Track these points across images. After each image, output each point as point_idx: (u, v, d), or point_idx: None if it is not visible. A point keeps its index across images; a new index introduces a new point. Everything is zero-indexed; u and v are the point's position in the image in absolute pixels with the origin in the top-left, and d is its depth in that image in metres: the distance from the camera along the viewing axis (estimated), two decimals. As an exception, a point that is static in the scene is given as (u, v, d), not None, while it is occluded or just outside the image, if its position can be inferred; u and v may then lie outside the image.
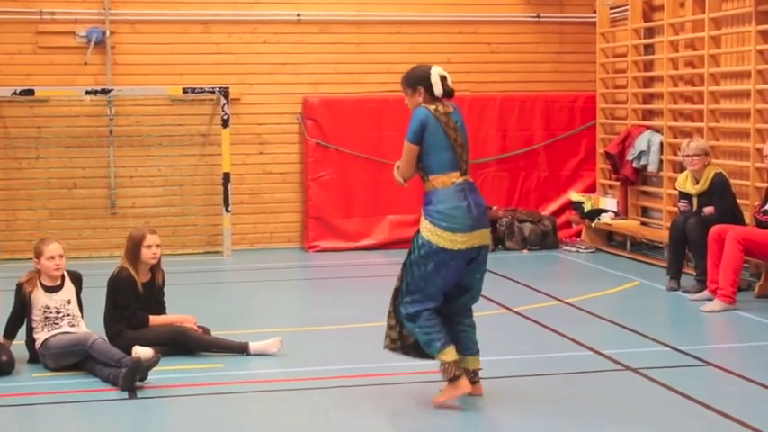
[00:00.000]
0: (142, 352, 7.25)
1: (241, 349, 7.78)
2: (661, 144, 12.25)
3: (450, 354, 6.39)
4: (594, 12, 13.80)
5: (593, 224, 13.02)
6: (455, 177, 6.41)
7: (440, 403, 6.47)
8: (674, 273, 10.24)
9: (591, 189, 13.81)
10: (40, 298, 7.52)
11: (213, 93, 12.94)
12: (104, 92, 12.69)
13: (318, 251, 13.16)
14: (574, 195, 13.67)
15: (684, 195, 10.24)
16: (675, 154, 11.60)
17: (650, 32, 12.92)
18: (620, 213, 13.01)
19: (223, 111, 12.86)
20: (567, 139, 13.87)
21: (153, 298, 7.88)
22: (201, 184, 13.26)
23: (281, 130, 13.46)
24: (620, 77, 13.48)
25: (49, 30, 12.84)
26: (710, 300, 9.42)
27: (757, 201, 10.08)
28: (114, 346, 7.29)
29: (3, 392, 6.93)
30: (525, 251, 12.99)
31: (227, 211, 12.98)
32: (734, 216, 9.90)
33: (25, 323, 7.60)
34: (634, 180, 12.84)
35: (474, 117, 13.18)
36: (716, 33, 11.30)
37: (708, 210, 9.93)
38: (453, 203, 6.35)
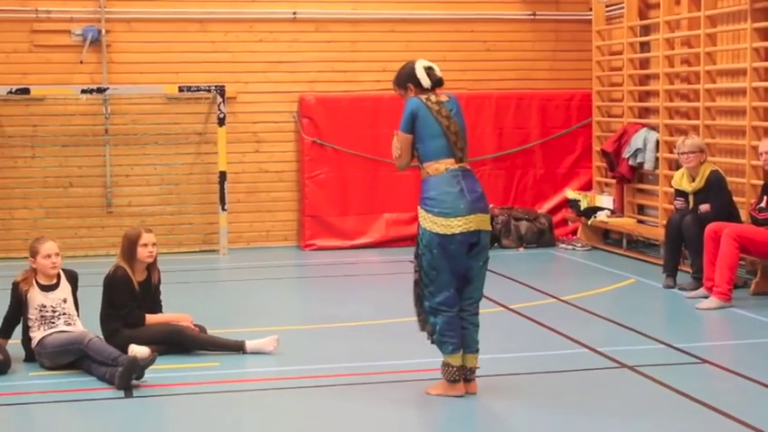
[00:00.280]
0: (138, 351, 7.25)
1: (237, 348, 7.78)
2: (657, 142, 12.26)
3: (458, 359, 6.51)
4: (590, 9, 13.81)
5: (589, 222, 13.03)
6: (449, 164, 6.49)
7: (432, 394, 6.59)
8: (671, 270, 10.25)
9: (587, 187, 13.82)
10: (35, 297, 7.51)
11: (209, 91, 12.94)
12: (100, 90, 12.68)
13: (315, 249, 13.16)
14: (570, 193, 13.68)
15: (680, 193, 10.25)
16: (671, 152, 11.61)
17: (646, 30, 12.93)
18: (617, 211, 13.03)
19: (219, 109, 12.86)
20: (563, 136, 13.88)
21: (149, 297, 7.88)
22: (197, 182, 13.25)
23: (277, 129, 13.46)
24: (615, 75, 13.48)
25: (44, 28, 12.83)
26: (706, 297, 9.43)
27: (753, 198, 10.09)
28: (110, 344, 7.28)
29: (-1, 391, 6.94)
30: (521, 249, 13.00)
31: (224, 209, 12.97)
32: (730, 214, 9.90)
33: (21, 322, 7.59)
34: (630, 178, 12.86)
35: (470, 115, 13.03)
36: (711, 31, 11.30)
37: (704, 207, 9.94)
38: (444, 189, 6.43)
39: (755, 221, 9.60)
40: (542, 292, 10.13)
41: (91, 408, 6.66)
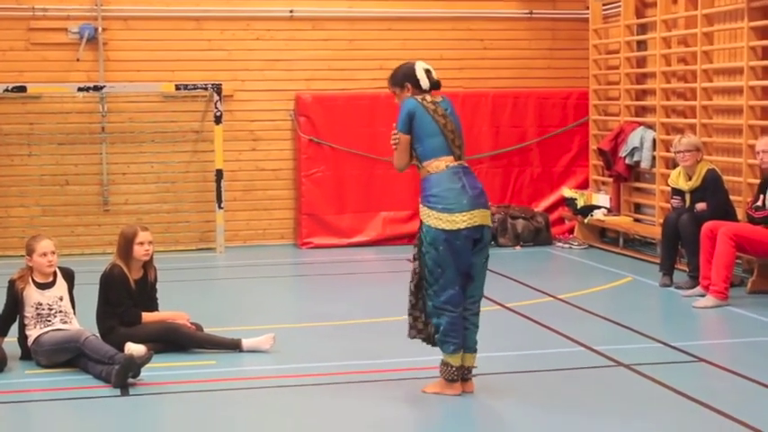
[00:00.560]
0: (135, 349, 7.25)
1: (234, 346, 7.78)
2: (654, 140, 12.26)
3: (458, 359, 6.52)
4: (587, 8, 13.81)
5: (585, 220, 13.03)
6: (448, 161, 6.51)
7: (429, 392, 6.60)
8: (667, 269, 10.25)
9: (584, 185, 13.82)
10: (32, 295, 7.51)
11: (206, 89, 12.93)
12: (97, 88, 12.66)
13: (311, 248, 13.16)
14: (567, 192, 13.69)
15: (677, 192, 10.26)
16: (668, 150, 11.61)
17: (643, 29, 12.93)
18: (613, 210, 13.03)
19: (216, 107, 12.85)
20: (559, 135, 13.88)
21: (145, 295, 7.88)
22: (194, 180, 13.24)
23: (274, 127, 13.46)
24: (612, 74, 13.48)
25: (41, 26, 12.81)
26: (703, 296, 9.43)
27: (750, 197, 10.09)
28: (107, 343, 7.27)
29: (-5, 389, 6.93)
30: (518, 247, 13.00)
31: (220, 207, 12.97)
32: (726, 212, 9.91)
33: (17, 320, 7.59)
34: (627, 176, 12.86)
35: (467, 113, 13.17)
36: (708, 30, 11.31)
37: (700, 206, 9.94)
38: (446, 185, 6.44)
39: (752, 220, 9.60)
40: (539, 291, 10.13)
41: (87, 406, 6.66)
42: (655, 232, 11.70)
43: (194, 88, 12.90)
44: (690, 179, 10.09)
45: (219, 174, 12.92)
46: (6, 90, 12.39)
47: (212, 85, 12.87)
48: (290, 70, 13.42)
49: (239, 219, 13.41)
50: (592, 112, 13.76)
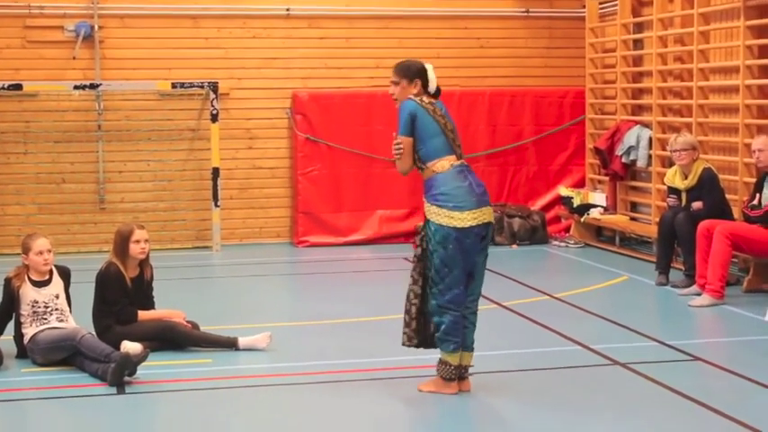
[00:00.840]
0: (131, 347, 7.25)
1: (230, 344, 7.78)
2: (650, 139, 12.26)
3: (457, 358, 6.52)
4: (584, 7, 13.81)
5: (582, 219, 13.04)
6: (452, 160, 6.52)
7: (425, 391, 6.60)
8: (663, 268, 10.26)
9: (580, 184, 13.83)
10: (28, 293, 7.50)
11: (202, 87, 12.93)
12: (93, 86, 12.65)
13: (307, 246, 13.16)
14: (563, 190, 13.69)
15: (673, 190, 10.27)
16: (664, 149, 11.62)
17: (639, 27, 12.94)
18: (609, 208, 13.04)
19: (212, 105, 12.84)
20: (556, 134, 13.88)
21: (141, 293, 7.87)
22: (190, 178, 13.24)
23: (271, 125, 13.45)
24: (609, 72, 13.49)
25: (37, 24, 12.80)
26: (699, 295, 9.44)
27: (746, 196, 10.10)
28: (103, 341, 7.27)
29: (-9, 388, 6.93)
30: (514, 246, 13.00)
31: (217, 205, 12.96)
32: (722, 211, 9.92)
33: (13, 318, 7.58)
34: (623, 175, 12.86)
35: (463, 112, 13.20)
36: (705, 29, 11.31)
37: (696, 205, 9.95)
38: (455, 184, 6.45)
39: (748, 219, 9.61)
40: (535, 290, 10.13)
41: (83, 404, 6.66)
42: (651, 231, 11.71)
43: (191, 86, 12.90)
44: (686, 178, 10.09)
45: (216, 172, 12.91)
46: (2, 88, 12.38)
47: (209, 83, 12.87)
48: (287, 68, 13.41)
49: (235, 217, 13.41)
50: (588, 110, 13.76)
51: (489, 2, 13.95)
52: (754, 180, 10.02)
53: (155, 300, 8.02)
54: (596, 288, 10.35)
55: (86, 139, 12.97)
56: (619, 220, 12.76)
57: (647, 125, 12.44)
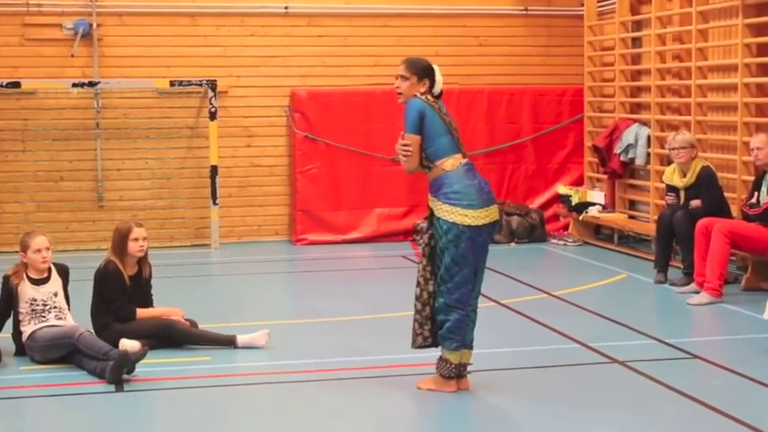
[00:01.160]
0: (129, 345, 7.24)
1: (228, 342, 7.78)
2: (648, 137, 12.27)
3: (458, 356, 6.52)
4: (582, 5, 13.81)
5: (580, 217, 13.04)
6: (460, 159, 6.52)
7: (423, 389, 6.60)
8: (662, 266, 10.26)
9: (578, 182, 13.83)
10: (26, 290, 7.50)
11: (201, 85, 12.92)
12: (91, 84, 12.65)
13: (306, 244, 13.16)
14: (561, 188, 13.69)
15: (672, 188, 10.27)
16: (663, 147, 11.62)
17: (638, 25, 12.94)
18: (608, 206, 13.04)
19: (210, 103, 12.84)
20: (554, 132, 13.89)
21: (140, 291, 7.87)
22: (189, 176, 13.23)
23: (269, 123, 13.45)
24: (607, 70, 13.49)
25: (35, 22, 12.79)
26: (697, 293, 9.44)
27: (744, 194, 10.10)
28: (101, 339, 7.27)
29: (-11, 386, 6.93)
30: (513, 244, 13.00)
31: (215, 203, 12.96)
32: (721, 209, 9.92)
33: (12, 316, 7.58)
34: (621, 173, 12.87)
35: (462, 110, 13.19)
36: (703, 27, 11.31)
37: (695, 203, 9.96)
38: (465, 182, 6.45)
39: (746, 217, 9.61)
40: (533, 288, 10.14)
41: (81, 402, 6.65)
42: (649, 229, 11.71)
43: (189, 84, 12.90)
44: (684, 176, 10.10)
45: (214, 170, 12.91)
46: (1, 86, 12.38)
47: (207, 81, 12.86)
48: (286, 66, 13.41)
49: (234, 215, 13.40)
50: (587, 108, 13.76)
51: (488, 0, 13.95)
52: (752, 178, 10.02)
53: (153, 298, 8.02)
54: (595, 286, 10.35)
55: (85, 137, 12.96)
56: (617, 218, 12.77)
57: (645, 123, 12.44)
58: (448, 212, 6.42)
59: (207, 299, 9.84)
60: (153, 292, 8.02)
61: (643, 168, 12.59)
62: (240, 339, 7.77)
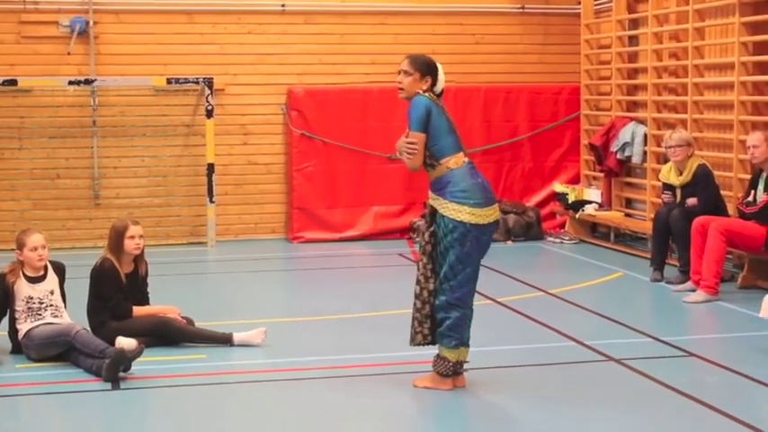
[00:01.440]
0: (125, 343, 7.24)
1: (225, 340, 7.78)
2: (645, 135, 12.27)
3: (456, 355, 6.52)
4: (579, 3, 13.81)
5: (577, 215, 13.04)
6: (462, 157, 6.53)
7: (420, 387, 6.60)
8: (658, 264, 10.27)
9: (575, 180, 13.83)
10: (22, 288, 7.49)
11: (197, 83, 12.91)
12: (88, 82, 12.64)
13: (303, 242, 13.15)
14: (558, 186, 13.69)
15: (668, 187, 10.28)
16: (659, 145, 11.62)
17: (634, 24, 12.94)
18: (604, 204, 13.04)
19: (207, 101, 12.83)
20: (551, 130, 13.89)
21: (136, 289, 7.86)
22: (185, 174, 13.22)
23: (266, 121, 13.44)
24: (604, 69, 13.50)
25: (32, 19, 12.78)
26: (694, 291, 9.45)
27: (740, 192, 10.11)
28: (97, 336, 7.27)
29: (-15, 383, 6.92)
30: (509, 242, 13.00)
31: (212, 201, 12.95)
32: (717, 207, 9.93)
33: (8, 314, 7.57)
34: (618, 171, 12.87)
35: (459, 108, 13.17)
36: (700, 25, 11.32)
37: (691, 201, 9.96)
38: (470, 181, 6.46)
39: (743, 215, 9.62)
40: (530, 286, 10.14)
41: (78, 400, 6.65)
42: (646, 227, 11.72)
43: (186, 82, 12.88)
44: (681, 174, 10.10)
45: (211, 168, 12.90)
46: (-3, 83, 12.38)
47: (204, 78, 12.85)
48: (282, 64, 13.40)
49: (230, 213, 13.40)
50: (583, 107, 13.77)
51: (485, -2, 13.97)
52: (748, 176, 10.03)
53: (149, 295, 8.01)
54: (591, 284, 10.35)
55: (81, 134, 12.95)
56: (614, 216, 12.77)
57: (641, 121, 12.44)
58: (455, 211, 6.40)
59: (203, 297, 9.83)
60: (149, 289, 8.02)
61: (639, 166, 12.60)
62: (236, 337, 7.77)
